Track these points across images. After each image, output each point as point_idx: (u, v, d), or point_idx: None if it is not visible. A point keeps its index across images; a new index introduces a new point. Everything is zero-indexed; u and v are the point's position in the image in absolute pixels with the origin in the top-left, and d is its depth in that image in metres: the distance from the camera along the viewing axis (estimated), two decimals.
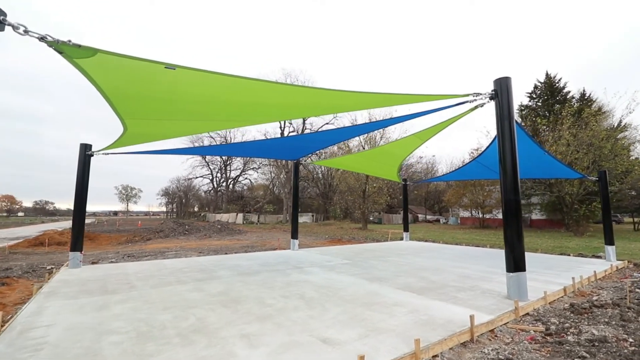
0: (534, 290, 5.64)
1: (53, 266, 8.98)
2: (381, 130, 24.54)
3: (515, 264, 5.26)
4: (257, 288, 6.00)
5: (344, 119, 41.50)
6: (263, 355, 3.22)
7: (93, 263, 9.80)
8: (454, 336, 3.73)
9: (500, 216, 31.54)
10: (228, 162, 63.46)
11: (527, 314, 4.84)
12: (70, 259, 8.36)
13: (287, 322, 4.16)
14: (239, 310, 4.70)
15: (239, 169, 64.16)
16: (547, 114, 24.47)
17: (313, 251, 11.69)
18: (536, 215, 29.73)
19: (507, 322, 4.44)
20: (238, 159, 61.97)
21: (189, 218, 69.10)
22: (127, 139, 6.77)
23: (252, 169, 61.47)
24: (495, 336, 4.05)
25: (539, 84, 26.62)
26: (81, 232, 8.63)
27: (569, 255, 10.99)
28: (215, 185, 69.02)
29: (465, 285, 6.24)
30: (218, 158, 63.24)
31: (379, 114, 27.20)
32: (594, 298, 5.59)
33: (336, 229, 29.47)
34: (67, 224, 48.54)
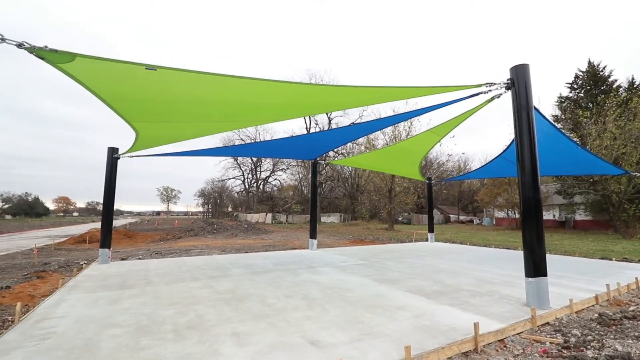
0: (560, 298, 5.14)
1: (86, 262, 9.62)
2: (407, 127, 23.83)
3: (535, 268, 4.81)
4: (264, 287, 6.01)
5: (370, 117, 40.98)
6: (247, 354, 3.18)
7: (123, 259, 10.38)
8: (454, 345, 3.46)
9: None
10: (258, 164, 64.95)
11: (547, 323, 4.40)
12: (100, 256, 8.91)
13: (282, 322, 4.10)
14: (239, 308, 4.71)
15: (269, 170, 65.50)
16: (590, 106, 22.37)
17: (331, 251, 11.57)
18: (580, 216, 27.40)
19: (522, 332, 4.06)
20: (268, 160, 63.21)
21: (223, 218, 71.58)
22: (143, 142, 7.08)
23: (281, 169, 62.46)
24: (505, 347, 3.71)
25: (581, 73, 24.39)
26: (109, 231, 9.16)
27: (611, 259, 9.95)
28: (247, 186, 71.05)
29: (482, 290, 5.83)
30: (249, 160, 64.99)
31: (404, 109, 26.43)
32: (631, 308, 4.97)
33: (362, 229, 29.08)
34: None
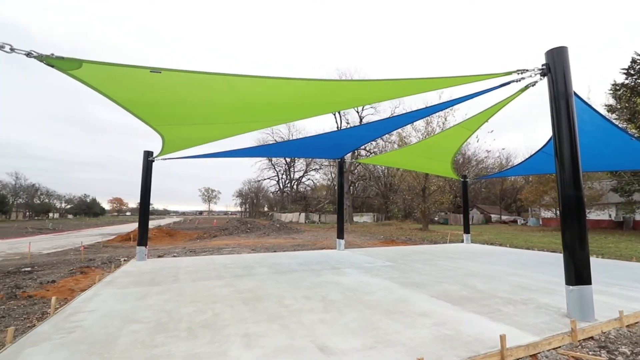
0: (608, 309, 4.56)
1: (125, 259, 10.25)
2: (441, 123, 22.76)
3: (577, 274, 4.29)
4: (284, 287, 5.98)
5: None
6: (252, 357, 3.13)
7: (159, 257, 10.94)
8: (477, 358, 3.16)
9: (591, 217, 26.93)
10: (291, 164, 65.94)
11: (591, 337, 3.89)
12: (137, 253, 9.45)
13: (295, 324, 4.01)
14: (256, 308, 4.71)
15: (302, 170, 66.30)
16: None
17: (358, 252, 11.34)
18: None
19: (559, 347, 3.63)
20: (301, 160, 63.97)
21: (259, 217, 73.59)
22: (170, 145, 7.37)
23: (314, 169, 62.89)
24: None
25: (639, 57, 21.62)
26: (146, 230, 9.69)
27: None
28: (281, 186, 72.52)
29: (518, 297, 5.33)
30: (282, 160, 66.25)
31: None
32: None
33: (395, 229, 28.33)
34: (157, 222, 55.62)
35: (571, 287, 4.31)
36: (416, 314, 4.43)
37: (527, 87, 5.40)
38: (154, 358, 3.16)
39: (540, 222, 34.48)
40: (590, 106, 6.30)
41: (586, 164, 9.43)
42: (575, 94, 5.83)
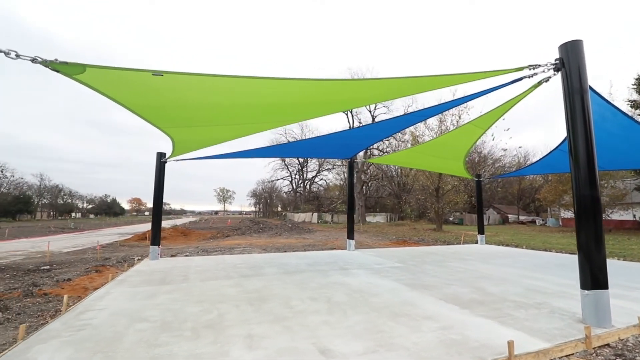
0: (628, 314, 4.33)
1: (139, 258, 10.48)
2: (455, 122, 22.26)
3: (593, 278, 4.10)
4: (291, 288, 5.97)
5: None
6: (254, 358, 3.12)
7: (172, 256, 11.14)
8: None
9: (614, 217, 25.75)
10: (304, 164, 66.11)
11: (607, 345, 3.71)
12: (150, 252, 9.65)
13: (299, 326, 3.99)
14: (260, 309, 4.71)
15: (315, 170, 66.38)
16: None
17: (369, 252, 11.23)
18: None
19: (571, 355, 3.46)
20: (314, 160, 64.04)
21: (272, 217, 74.17)
22: (181, 146, 7.48)
23: (327, 169, 62.81)
24: None
25: None
26: (159, 229, 9.89)
27: None
28: (294, 186, 72.84)
29: (531, 301, 5.14)
30: (295, 160, 66.49)
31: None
32: None
33: (408, 229, 27.94)
34: (174, 222, 56.79)
35: (587, 291, 4.12)
36: (422, 317, 4.33)
37: (540, 83, 5.20)
38: (156, 357, 3.19)
39: (560, 223, 33.30)
40: (610, 102, 6.02)
41: (607, 162, 9.04)
42: (592, 89, 5.61)
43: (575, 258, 10.05)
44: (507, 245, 14.65)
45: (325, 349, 3.33)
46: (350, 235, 11.68)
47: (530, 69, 4.63)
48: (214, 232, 23.09)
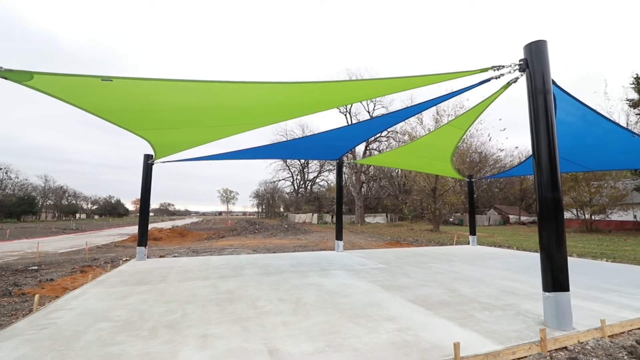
0: (595, 317, 4.28)
1: (128, 258, 10.58)
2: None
3: (554, 280, 4.08)
4: (264, 289, 5.99)
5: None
6: (201, 358, 3.15)
7: (161, 257, 11.22)
8: None
9: (614, 218, 25.42)
10: (305, 165, 66.19)
11: (565, 348, 3.68)
12: (137, 253, 9.73)
13: (257, 326, 4.02)
14: (226, 309, 4.74)
15: (316, 171, 66.42)
16: None
17: (357, 253, 11.21)
18: None
19: (524, 357, 3.44)
20: (315, 161, 64.06)
21: (275, 218, 74.32)
22: (162, 149, 7.55)
23: (328, 170, 62.80)
24: None
25: None
26: (145, 231, 9.96)
27: None
28: (296, 187, 72.98)
29: (500, 302, 5.12)
30: (297, 161, 66.60)
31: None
32: None
33: (405, 230, 27.84)
34: (175, 222, 57.08)
35: (547, 293, 4.09)
36: (384, 318, 4.33)
37: (509, 84, 5.19)
38: (106, 356, 3.24)
39: None
40: (579, 100, 5.93)
41: (592, 162, 8.96)
42: (567, 92, 5.57)
43: None
44: (500, 246, 14.55)
45: (275, 349, 3.35)
46: (339, 236, 11.68)
47: (494, 70, 4.62)
48: (210, 232, 23.19)
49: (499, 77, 4.89)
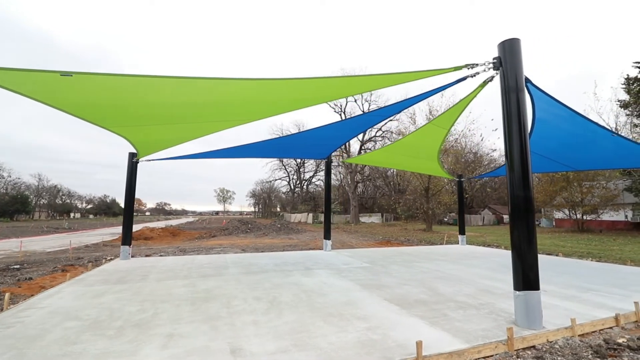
0: (567, 316, 4.27)
1: (112, 258, 10.49)
2: None
3: (525, 278, 4.07)
4: (243, 288, 5.94)
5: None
6: (162, 357, 3.11)
7: (147, 256, 11.14)
8: None
9: (606, 218, 25.59)
10: (301, 164, 66.13)
11: (533, 347, 3.67)
12: (121, 252, 9.65)
13: (226, 326, 3.98)
14: (199, 308, 4.69)
15: (313, 170, 66.37)
16: None
17: (345, 252, 11.19)
18: None
19: (491, 356, 3.43)
20: (311, 161, 64.00)
21: (271, 217, 74.20)
22: (144, 147, 7.48)
23: (323, 170, 62.75)
24: None
25: None
26: (130, 230, 9.88)
27: None
28: (292, 187, 72.88)
29: (476, 301, 5.11)
30: (293, 161, 66.51)
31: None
32: None
33: (399, 230, 27.86)
34: (169, 222, 56.79)
35: (518, 292, 4.09)
36: (356, 317, 4.30)
37: (485, 82, 5.19)
38: (66, 355, 3.19)
39: (553, 223, 33.13)
40: (558, 101, 5.93)
41: (576, 161, 8.99)
42: (544, 92, 5.57)
43: (547, 258, 10.05)
44: (489, 245, 14.59)
45: (238, 348, 3.32)
46: (327, 236, 11.65)
47: (469, 68, 4.61)
48: (202, 232, 23.10)
49: (475, 76, 4.89)
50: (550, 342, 3.79)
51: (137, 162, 9.83)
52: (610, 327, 4.29)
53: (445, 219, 39.93)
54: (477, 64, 4.55)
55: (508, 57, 4.32)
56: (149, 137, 6.56)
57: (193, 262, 8.93)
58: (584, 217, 24.76)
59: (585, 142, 6.81)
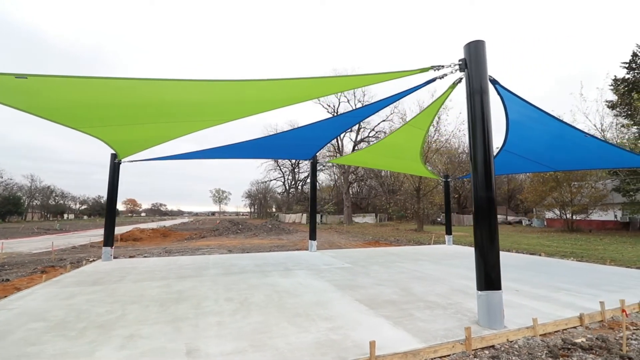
0: (534, 316, 4.29)
1: (94, 259, 10.43)
2: (436, 120, 22.27)
3: (487, 278, 4.11)
4: (217, 289, 5.94)
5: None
6: (116, 358, 3.12)
7: (130, 257, 11.09)
8: None
9: (595, 218, 25.84)
10: (296, 164, 66.11)
11: (492, 347, 3.70)
12: (103, 253, 9.60)
13: (190, 327, 3.98)
14: (167, 309, 4.69)
15: (307, 171, 66.40)
16: None
17: (329, 253, 11.21)
18: None
19: (447, 356, 3.46)
20: (305, 162, 64.05)
21: (266, 218, 74.03)
22: (123, 147, 7.47)
23: (319, 170, 62.77)
24: None
25: None
26: (112, 230, 9.83)
27: None
28: (287, 187, 72.81)
29: (446, 301, 5.16)
30: (287, 161, 66.42)
31: None
32: (615, 336, 4.01)
33: (390, 230, 27.92)
34: (163, 223, 56.46)
35: (480, 292, 4.13)
36: (322, 317, 4.32)
37: (454, 84, 5.23)
38: (23, 355, 3.18)
39: (545, 224, 33.38)
40: (526, 101, 5.99)
41: (555, 162, 9.07)
42: (514, 94, 5.62)
43: (529, 258, 10.14)
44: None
45: (195, 349, 3.32)
46: (312, 236, 11.67)
47: (435, 70, 4.65)
48: (192, 233, 23.03)
49: (443, 77, 4.93)
50: (511, 341, 3.83)
51: (119, 163, 9.79)
52: (574, 327, 4.34)
53: (439, 219, 40.07)
54: (443, 66, 4.59)
55: (473, 59, 4.36)
56: (123, 137, 6.54)
57: (175, 263, 8.90)
58: (574, 217, 24.98)
59: (561, 143, 6.88)
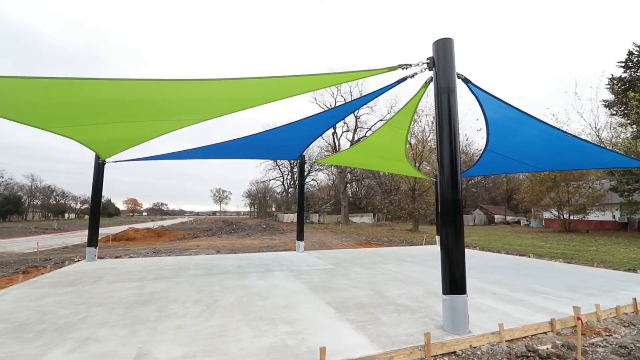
0: (503, 321, 4.19)
1: (79, 259, 10.39)
2: (430, 122, 22.16)
3: (452, 282, 4.02)
4: (191, 290, 5.88)
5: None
6: None
7: (117, 257, 11.05)
8: None
9: (593, 218, 25.63)
10: (295, 164, 66.12)
11: (454, 353, 3.61)
12: (87, 254, 9.56)
13: (148, 330, 3.92)
14: (132, 312, 4.63)
15: (306, 170, 66.32)
16: None
17: (315, 254, 11.13)
18: None
19: None
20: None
21: (266, 218, 73.98)
22: (102, 147, 7.41)
23: (318, 169, 62.71)
24: None
25: (637, 49, 19.97)
26: (96, 231, 9.78)
27: (637, 272, 8.15)
28: (286, 187, 72.69)
29: (417, 305, 5.06)
30: (286, 161, 66.36)
31: None
32: (589, 342, 3.91)
33: (386, 230, 27.80)
34: (161, 222, 56.50)
35: (445, 296, 4.04)
36: (285, 321, 4.25)
37: (427, 83, 5.14)
38: None
39: (543, 224, 33.15)
40: (502, 100, 5.88)
41: (539, 161, 8.95)
42: (487, 92, 5.52)
43: (518, 259, 10.01)
44: (468, 246, 14.54)
45: (145, 353, 3.26)
46: (300, 237, 11.60)
47: (403, 69, 4.56)
48: (185, 233, 23.00)
49: (414, 76, 4.84)
50: (474, 347, 3.74)
51: (103, 164, 9.75)
52: (545, 333, 4.23)
53: (436, 220, 39.92)
54: (410, 65, 4.51)
55: (441, 57, 4.27)
56: (96, 137, 6.49)
57: (158, 264, 8.85)
58: (571, 217, 24.78)
59: (541, 142, 6.77)
